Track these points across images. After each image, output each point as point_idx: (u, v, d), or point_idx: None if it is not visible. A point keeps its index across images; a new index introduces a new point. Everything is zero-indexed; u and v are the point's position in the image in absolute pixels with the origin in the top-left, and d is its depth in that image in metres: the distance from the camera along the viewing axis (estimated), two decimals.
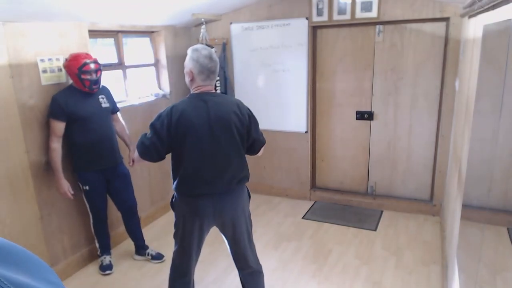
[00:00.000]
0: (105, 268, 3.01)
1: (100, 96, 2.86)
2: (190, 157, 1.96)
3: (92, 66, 2.68)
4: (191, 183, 1.99)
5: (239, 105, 2.06)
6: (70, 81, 2.81)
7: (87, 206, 2.93)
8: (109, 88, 3.00)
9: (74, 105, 2.68)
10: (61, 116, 2.65)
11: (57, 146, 2.68)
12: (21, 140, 2.58)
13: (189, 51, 2.02)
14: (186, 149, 1.95)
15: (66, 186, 2.73)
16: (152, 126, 1.97)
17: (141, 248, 3.22)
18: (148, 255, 3.19)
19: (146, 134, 1.99)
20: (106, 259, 3.06)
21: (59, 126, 2.67)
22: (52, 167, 2.70)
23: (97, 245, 3.06)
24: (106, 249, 3.08)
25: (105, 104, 2.87)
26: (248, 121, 2.05)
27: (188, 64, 2.00)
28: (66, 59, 2.72)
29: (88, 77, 2.67)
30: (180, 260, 2.16)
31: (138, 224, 3.19)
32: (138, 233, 3.20)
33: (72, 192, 2.76)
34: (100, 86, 2.83)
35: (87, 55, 2.72)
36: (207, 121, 1.94)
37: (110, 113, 2.94)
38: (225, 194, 2.04)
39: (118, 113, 3.08)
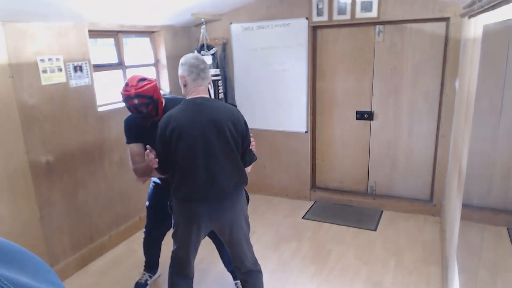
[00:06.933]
0: (138, 286, 2.84)
1: None
2: (183, 161, 1.98)
3: (136, 101, 2.26)
4: (185, 188, 2.01)
5: (235, 112, 2.07)
6: (71, 81, 2.81)
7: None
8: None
9: (138, 129, 2.42)
10: (133, 139, 2.42)
11: (137, 166, 2.40)
12: (21, 140, 2.58)
13: (179, 64, 2.12)
14: (179, 154, 1.96)
15: (151, 156, 2.11)
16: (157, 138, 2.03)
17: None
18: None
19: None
20: (144, 276, 2.90)
21: (135, 148, 2.40)
22: (145, 170, 2.35)
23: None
24: (152, 267, 2.93)
25: None
26: (244, 128, 2.06)
27: (179, 71, 2.09)
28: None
29: (135, 112, 2.34)
30: (179, 257, 2.21)
31: None
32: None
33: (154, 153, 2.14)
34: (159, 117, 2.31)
35: (134, 87, 2.27)
36: (200, 124, 1.95)
37: None
38: (221, 199, 2.05)
39: None
